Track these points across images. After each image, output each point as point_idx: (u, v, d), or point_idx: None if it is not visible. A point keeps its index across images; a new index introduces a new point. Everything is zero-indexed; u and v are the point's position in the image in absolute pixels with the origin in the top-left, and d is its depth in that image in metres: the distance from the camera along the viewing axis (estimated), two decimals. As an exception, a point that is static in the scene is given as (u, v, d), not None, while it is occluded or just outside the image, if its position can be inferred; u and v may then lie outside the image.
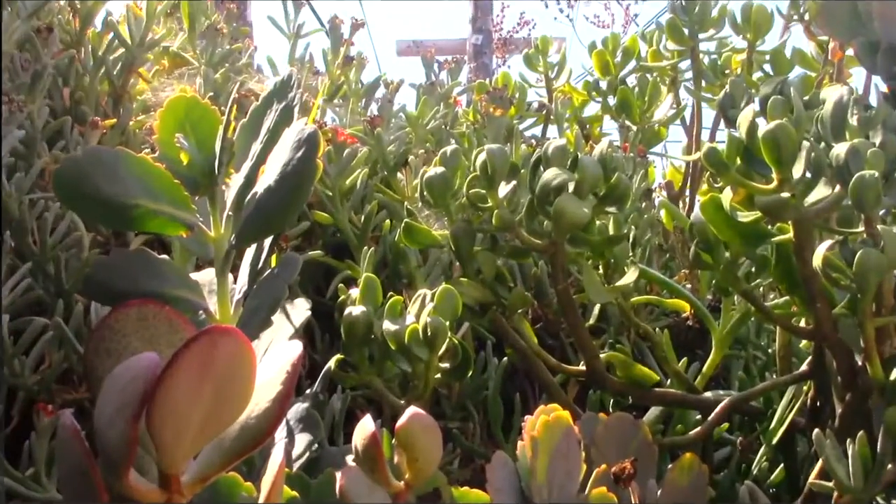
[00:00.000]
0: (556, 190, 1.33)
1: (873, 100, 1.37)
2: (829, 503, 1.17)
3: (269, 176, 1.09)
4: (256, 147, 1.11)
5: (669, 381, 1.60)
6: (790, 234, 1.26)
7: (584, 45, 2.70)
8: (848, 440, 1.14)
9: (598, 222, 1.44)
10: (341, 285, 1.43)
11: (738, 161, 1.26)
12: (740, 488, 1.21)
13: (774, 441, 1.48)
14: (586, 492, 0.93)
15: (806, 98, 1.28)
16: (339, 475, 0.86)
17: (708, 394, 1.54)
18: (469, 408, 1.67)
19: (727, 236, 1.34)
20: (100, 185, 1.05)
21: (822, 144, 1.21)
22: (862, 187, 1.10)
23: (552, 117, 2.65)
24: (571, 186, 1.34)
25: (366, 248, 1.45)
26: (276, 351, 0.72)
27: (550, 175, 1.34)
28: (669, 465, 1.15)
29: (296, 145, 1.07)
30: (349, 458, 0.96)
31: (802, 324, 1.42)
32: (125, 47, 2.03)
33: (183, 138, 1.10)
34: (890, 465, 1.12)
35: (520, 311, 1.53)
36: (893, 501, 1.19)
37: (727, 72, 2.36)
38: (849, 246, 1.18)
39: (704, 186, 2.30)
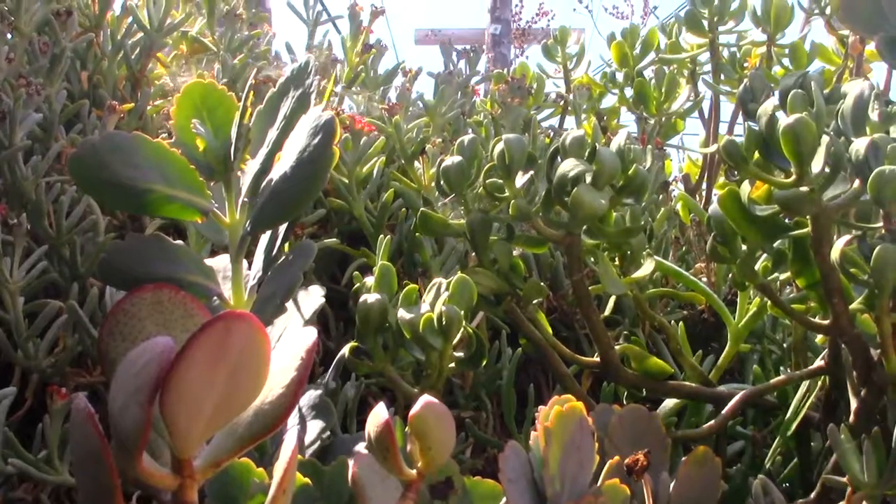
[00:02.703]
0: (573, 181, 1.33)
1: (894, 95, 1.37)
2: (842, 498, 1.17)
3: (285, 163, 1.08)
4: (273, 134, 1.11)
5: (684, 373, 1.59)
6: (808, 229, 1.26)
7: (603, 36, 2.70)
8: (863, 435, 1.14)
9: (615, 214, 1.43)
10: (356, 273, 1.42)
11: (757, 154, 1.25)
12: (753, 482, 1.21)
13: (788, 435, 1.47)
14: (599, 483, 0.93)
15: (826, 92, 1.27)
16: (351, 462, 0.86)
17: (722, 387, 1.53)
18: (482, 397, 1.67)
19: (745, 229, 1.34)
20: (116, 169, 1.06)
21: (842, 139, 1.20)
22: (881, 182, 1.10)
23: (570, 108, 2.64)
24: (589, 177, 1.33)
25: (381, 236, 1.44)
26: (291, 337, 0.72)
27: (568, 166, 1.33)
28: (683, 458, 1.14)
29: (312, 132, 1.07)
30: (362, 446, 0.96)
31: (818, 318, 1.41)
32: (144, 31, 2.04)
33: (199, 124, 1.10)
34: (905, 462, 1.12)
35: (535, 301, 1.53)
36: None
37: (746, 65, 2.36)
38: (867, 241, 1.17)
39: (721, 180, 2.30)
